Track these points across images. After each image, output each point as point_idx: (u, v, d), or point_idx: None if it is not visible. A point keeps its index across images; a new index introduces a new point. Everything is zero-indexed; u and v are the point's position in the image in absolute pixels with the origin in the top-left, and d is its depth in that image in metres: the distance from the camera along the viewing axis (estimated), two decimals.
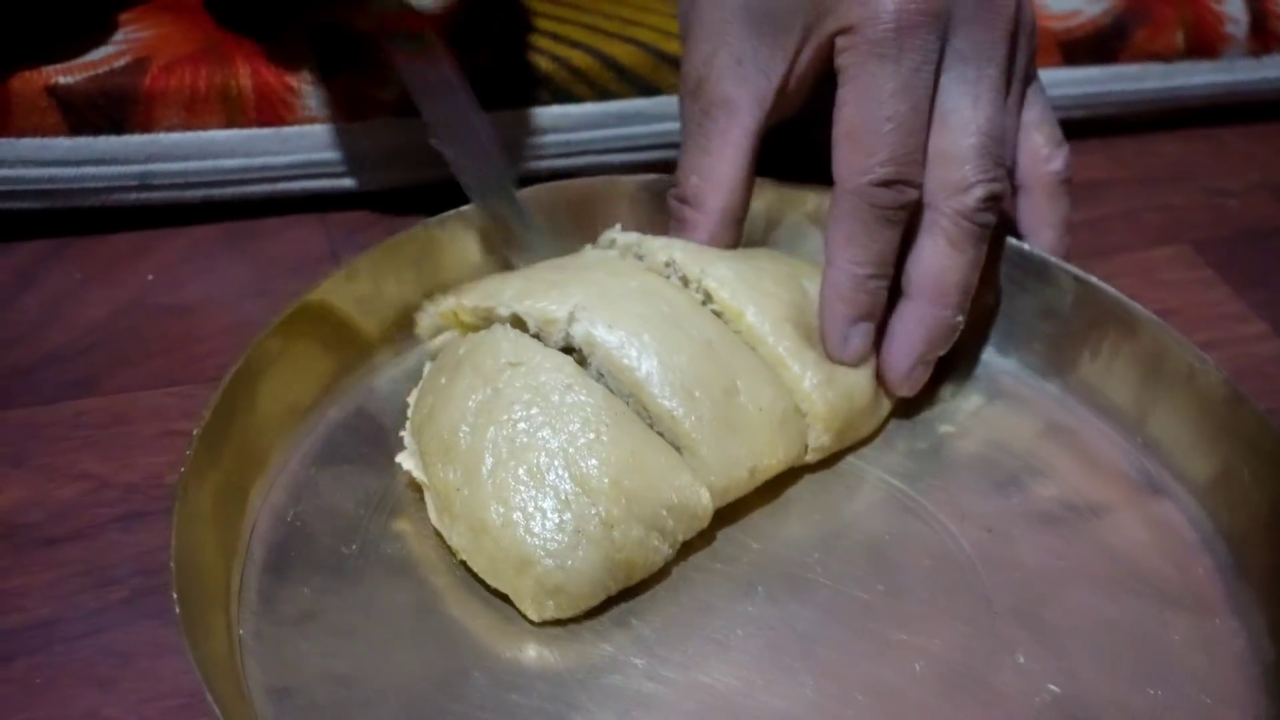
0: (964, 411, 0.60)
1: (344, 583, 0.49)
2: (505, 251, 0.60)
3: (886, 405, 0.58)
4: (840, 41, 0.55)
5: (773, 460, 0.53)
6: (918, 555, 0.53)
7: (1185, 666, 0.50)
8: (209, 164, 0.65)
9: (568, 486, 0.48)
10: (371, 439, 0.55)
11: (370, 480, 0.53)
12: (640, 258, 0.57)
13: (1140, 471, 0.57)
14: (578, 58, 0.69)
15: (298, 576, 0.49)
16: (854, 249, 0.55)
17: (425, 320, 0.58)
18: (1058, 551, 0.53)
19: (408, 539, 0.51)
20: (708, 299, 0.55)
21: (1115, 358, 0.59)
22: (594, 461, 0.48)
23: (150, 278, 0.64)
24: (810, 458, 0.55)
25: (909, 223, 0.55)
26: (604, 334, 0.52)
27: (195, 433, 0.48)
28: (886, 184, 0.54)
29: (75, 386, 0.58)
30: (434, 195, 0.62)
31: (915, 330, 0.56)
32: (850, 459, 0.57)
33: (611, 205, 0.63)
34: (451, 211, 0.60)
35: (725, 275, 0.55)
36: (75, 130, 0.63)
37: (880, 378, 0.57)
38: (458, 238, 0.60)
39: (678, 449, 0.51)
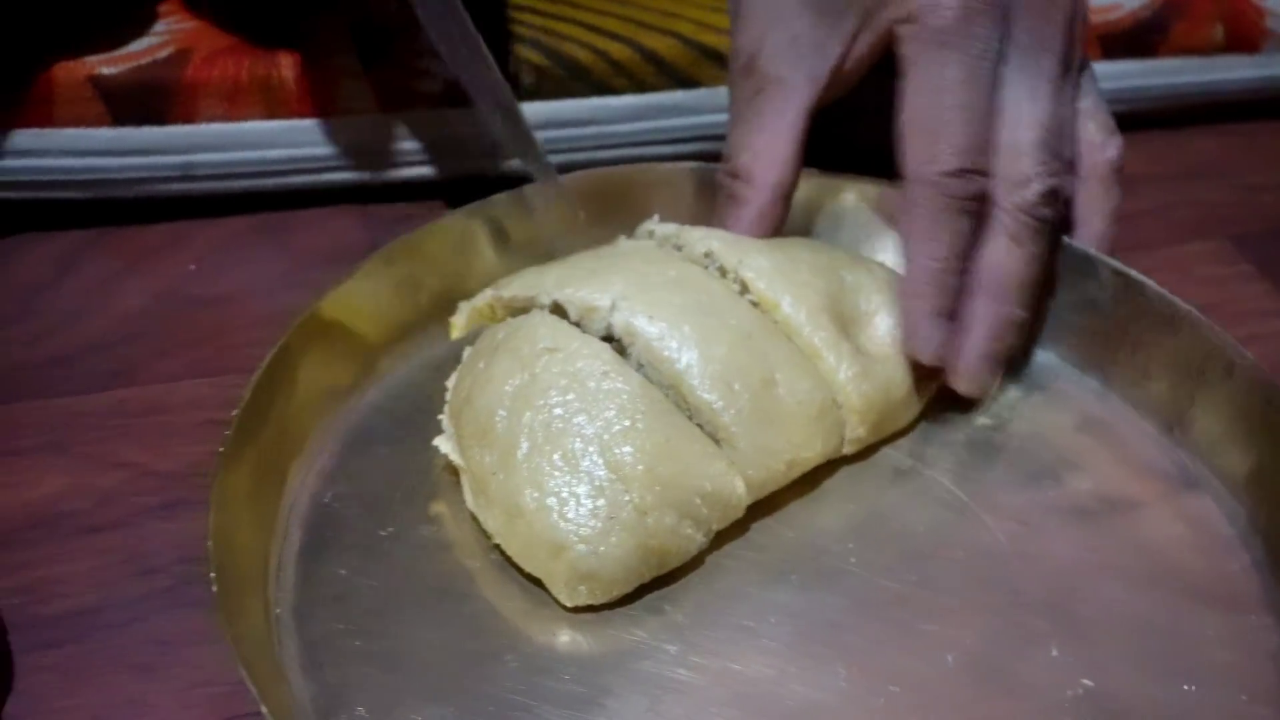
0: (1001, 404, 0.59)
1: (379, 564, 0.50)
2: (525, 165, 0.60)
3: (922, 398, 0.57)
4: (902, 30, 0.55)
5: (810, 453, 0.53)
6: (951, 547, 0.52)
7: (1219, 662, 0.49)
8: (250, 155, 0.66)
9: (602, 472, 0.48)
10: (407, 422, 0.55)
11: (406, 462, 0.54)
12: (679, 248, 0.57)
13: (1176, 466, 0.57)
14: (617, 50, 0.69)
15: (334, 557, 0.50)
16: (930, 242, 0.54)
17: (460, 318, 0.58)
18: (1091, 545, 0.53)
19: (443, 521, 0.52)
20: (744, 289, 0.55)
21: (1154, 352, 0.59)
22: (628, 448, 0.48)
23: (190, 268, 0.65)
24: (846, 450, 0.55)
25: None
26: (644, 324, 0.52)
27: (234, 414, 0.48)
28: (958, 174, 0.54)
29: (114, 376, 0.59)
30: (474, 186, 0.62)
31: (978, 328, 0.55)
32: (885, 450, 0.57)
33: (650, 192, 0.63)
34: (486, 199, 0.60)
35: (762, 266, 0.55)
36: (118, 121, 0.63)
37: (949, 378, 0.57)
38: (494, 225, 0.60)
39: (716, 441, 0.51)
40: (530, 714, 0.45)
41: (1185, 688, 0.48)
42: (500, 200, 0.60)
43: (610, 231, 0.61)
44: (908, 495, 0.55)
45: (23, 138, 0.62)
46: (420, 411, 0.56)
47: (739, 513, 0.51)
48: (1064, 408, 0.59)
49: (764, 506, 0.53)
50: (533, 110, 0.67)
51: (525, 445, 0.49)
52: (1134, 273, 0.59)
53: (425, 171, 0.69)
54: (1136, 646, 0.49)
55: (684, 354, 0.51)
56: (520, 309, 0.55)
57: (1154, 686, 0.48)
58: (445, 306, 0.59)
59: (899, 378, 0.56)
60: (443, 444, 0.52)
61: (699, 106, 0.70)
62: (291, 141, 0.66)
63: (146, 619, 0.49)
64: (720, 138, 0.61)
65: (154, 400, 0.57)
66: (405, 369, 0.58)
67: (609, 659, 0.48)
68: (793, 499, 0.54)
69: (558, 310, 0.54)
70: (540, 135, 0.64)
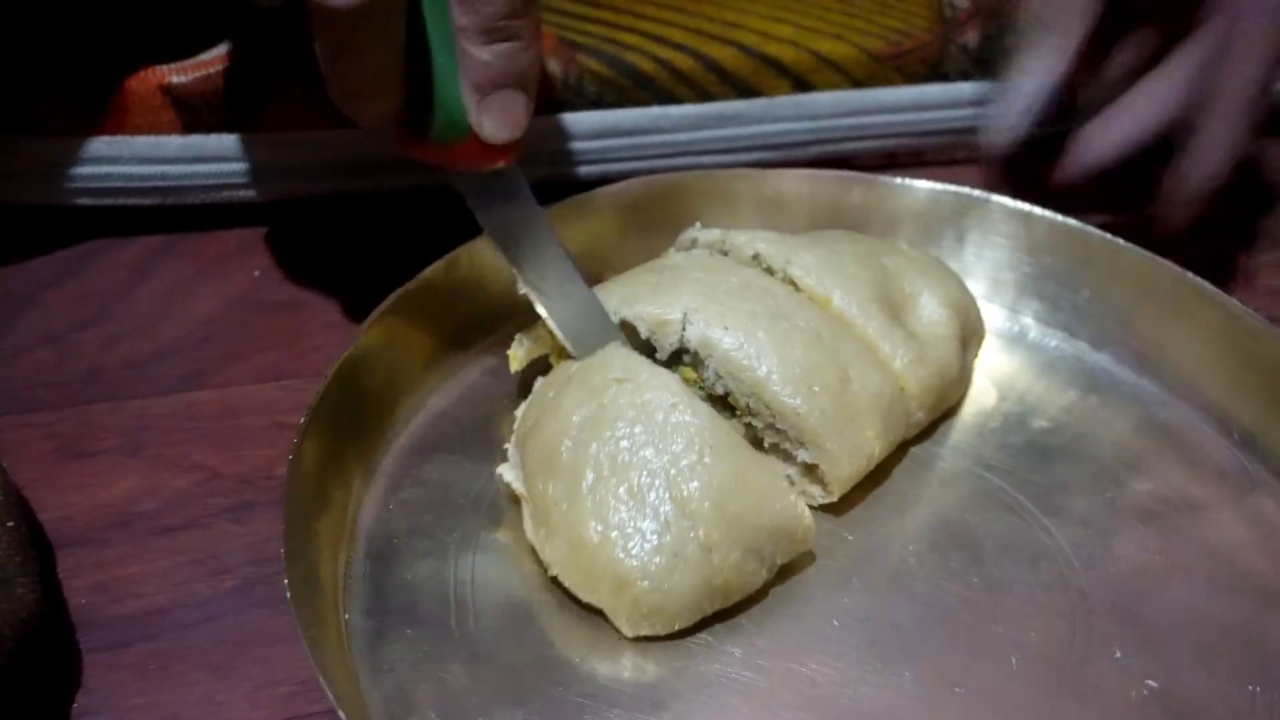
0: (1058, 406, 0.60)
1: (445, 574, 0.50)
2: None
3: (968, 376, 0.59)
4: None
5: (886, 444, 0.54)
6: (1014, 550, 0.52)
7: None
8: (318, 158, 0.66)
9: (668, 508, 0.48)
10: (473, 429, 0.56)
11: (472, 472, 0.54)
12: (724, 253, 0.58)
13: (1238, 468, 0.57)
14: (680, 59, 0.69)
15: (402, 565, 0.50)
16: None
17: (520, 350, 0.57)
18: (1155, 548, 0.53)
19: (502, 541, 0.52)
20: (794, 288, 0.56)
21: (1211, 354, 0.59)
22: (695, 484, 0.48)
23: (257, 273, 0.66)
24: (908, 435, 0.56)
25: None
26: (720, 335, 0.52)
27: (302, 420, 0.49)
28: None
29: (186, 379, 0.59)
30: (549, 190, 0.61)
31: None
32: (946, 453, 0.57)
33: (697, 201, 0.64)
34: (549, 205, 0.60)
35: (809, 262, 0.56)
36: (188, 129, 0.64)
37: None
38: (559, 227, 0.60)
39: (801, 444, 0.51)
40: (597, 716, 0.46)
41: (1251, 688, 0.48)
42: (559, 208, 0.60)
43: (663, 239, 0.61)
44: (968, 499, 0.55)
45: (98, 145, 0.63)
46: (486, 419, 0.56)
47: (805, 546, 0.51)
48: (1122, 409, 0.60)
49: (827, 510, 0.53)
50: (594, 119, 0.68)
51: (591, 476, 0.49)
52: (1190, 274, 0.59)
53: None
54: (1202, 648, 0.49)
55: (763, 361, 0.51)
56: None
57: (1220, 688, 0.48)
58: (507, 310, 0.59)
59: (950, 358, 0.56)
60: (506, 472, 0.52)
61: (761, 116, 0.71)
62: (359, 147, 0.66)
63: (217, 619, 0.49)
64: (780, 146, 0.62)
65: (225, 403, 0.58)
66: (466, 374, 0.59)
67: (674, 662, 0.48)
68: (856, 503, 0.54)
69: (626, 329, 0.54)
70: (601, 144, 0.65)
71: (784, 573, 0.51)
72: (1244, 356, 0.58)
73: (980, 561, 0.52)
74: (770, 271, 0.56)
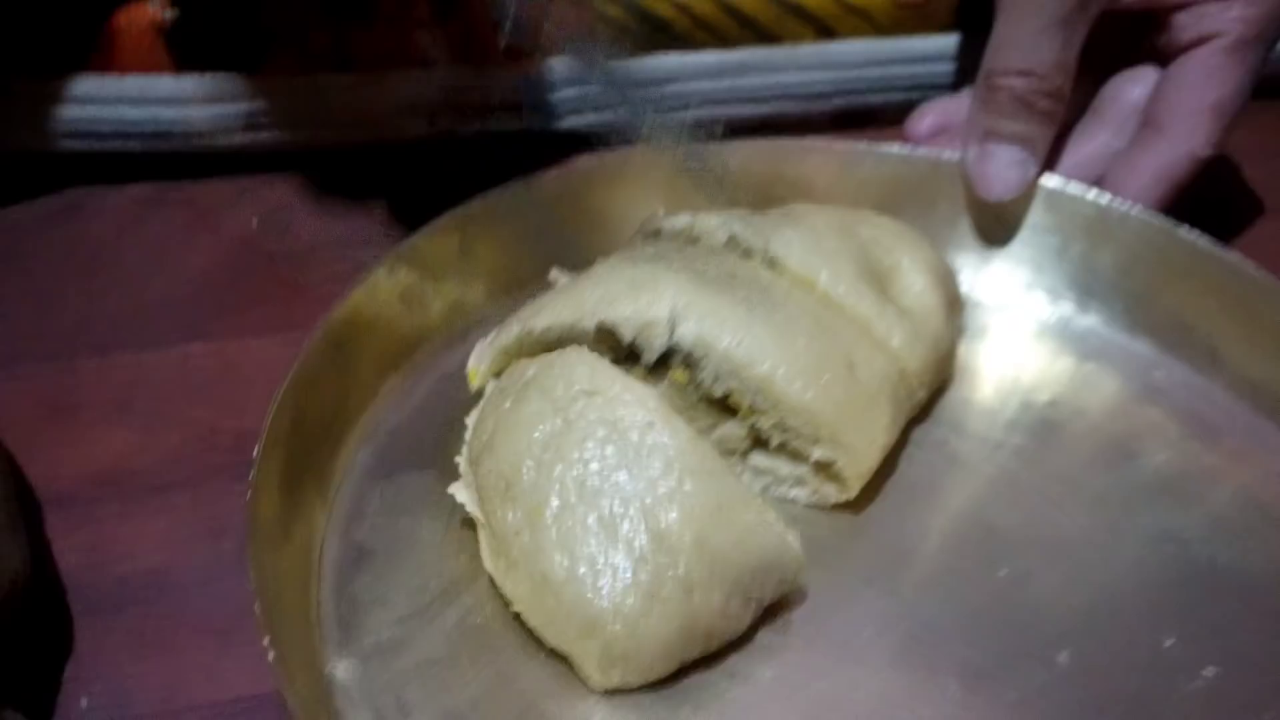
0: (1054, 377, 0.57)
1: (405, 613, 0.46)
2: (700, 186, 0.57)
3: (957, 338, 0.56)
4: None
5: (896, 430, 0.50)
6: (1038, 537, 0.49)
7: None
8: (320, 105, 0.64)
9: (643, 540, 0.43)
10: (432, 441, 0.51)
11: (433, 490, 0.49)
12: (693, 241, 0.54)
13: (1248, 426, 0.54)
14: (699, 4, 0.66)
15: (368, 599, 0.46)
16: None
17: (482, 364, 0.51)
18: (1183, 522, 0.50)
19: (459, 580, 0.47)
20: (773, 269, 0.52)
21: (1206, 308, 0.57)
22: (675, 514, 0.43)
23: (256, 222, 0.63)
24: (910, 416, 0.53)
25: None
26: (716, 331, 0.47)
27: (255, 460, 0.44)
28: None
29: (182, 332, 0.57)
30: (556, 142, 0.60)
31: None
32: (949, 434, 0.54)
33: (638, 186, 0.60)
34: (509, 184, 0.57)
35: (790, 240, 0.52)
36: (181, 69, 0.62)
37: None
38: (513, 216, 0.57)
39: (815, 441, 0.48)
40: None
41: None
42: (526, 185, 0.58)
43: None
44: (984, 484, 0.52)
45: (85, 85, 0.61)
46: (446, 430, 0.51)
47: (794, 585, 0.46)
48: (1121, 375, 0.57)
49: (842, 510, 0.50)
50: (609, 67, 0.64)
51: (555, 503, 0.44)
52: (1184, 229, 0.57)
53: (505, 122, 0.67)
54: (1258, 626, 0.47)
55: (766, 355, 0.47)
56: (557, 342, 0.49)
57: None
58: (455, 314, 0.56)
59: (942, 330, 0.53)
60: (459, 493, 0.47)
61: (782, 64, 0.68)
62: (359, 94, 0.64)
63: (218, 582, 0.47)
64: (801, 97, 0.60)
65: (223, 357, 0.56)
66: (427, 382, 0.55)
67: (696, 684, 0.44)
68: (869, 498, 0.51)
69: (604, 334, 0.49)
70: (614, 94, 0.62)
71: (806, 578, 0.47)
72: (1244, 310, 0.55)
73: (1004, 551, 0.49)
74: (748, 255, 0.52)
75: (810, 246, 0.52)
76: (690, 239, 0.53)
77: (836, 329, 0.49)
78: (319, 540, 0.47)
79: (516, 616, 0.44)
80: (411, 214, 0.55)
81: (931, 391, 0.53)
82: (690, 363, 0.48)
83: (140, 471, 0.51)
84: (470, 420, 0.49)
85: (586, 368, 0.46)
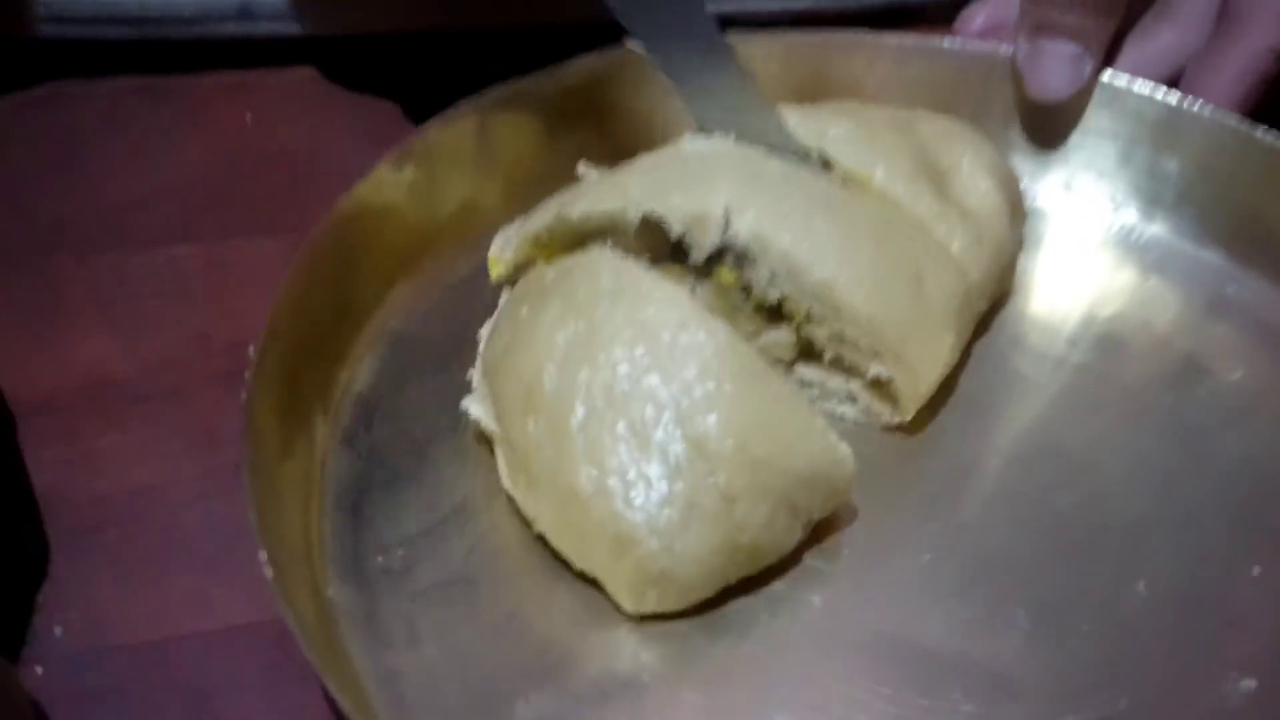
0: (1120, 291, 0.53)
1: (417, 534, 0.43)
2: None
3: (1019, 245, 0.52)
4: None
5: (960, 349, 0.47)
6: (1113, 457, 0.46)
7: None
8: None
9: (679, 448, 0.40)
10: (447, 347, 0.48)
11: (446, 399, 0.46)
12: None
13: None
14: None
15: (374, 520, 0.43)
16: None
17: (506, 251, 0.48)
18: (1264, 442, 0.47)
19: (473, 503, 0.44)
20: (827, 166, 0.48)
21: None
22: (713, 419, 0.40)
23: (249, 118, 0.61)
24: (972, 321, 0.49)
25: None
26: (775, 230, 0.44)
27: (251, 363, 0.41)
28: None
29: (168, 232, 0.55)
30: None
31: None
32: (1009, 349, 0.51)
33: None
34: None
35: (844, 133, 0.49)
36: None
37: None
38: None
39: (875, 355, 0.44)
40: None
41: None
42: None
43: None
44: (1045, 404, 0.49)
45: None
46: (461, 335, 0.48)
47: (845, 496, 0.43)
48: (1189, 288, 0.54)
49: (898, 430, 0.47)
50: None
51: (581, 411, 0.40)
52: (1263, 129, 0.54)
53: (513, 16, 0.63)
54: None
55: (828, 259, 0.44)
56: (595, 232, 0.46)
57: None
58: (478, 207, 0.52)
59: (1004, 235, 0.50)
60: (473, 406, 0.44)
61: None
62: None
63: (208, 501, 0.45)
64: None
65: (214, 258, 0.53)
66: (441, 284, 0.51)
67: (730, 614, 0.41)
68: (927, 417, 0.47)
69: (649, 227, 0.46)
70: None
71: (860, 503, 0.44)
72: None
73: (1076, 473, 0.46)
74: (800, 151, 0.49)
75: (865, 141, 0.49)
76: None
77: (905, 238, 0.46)
78: (321, 454, 0.45)
79: (539, 538, 0.42)
80: (421, 112, 0.52)
81: (991, 303, 0.50)
82: (743, 263, 0.45)
83: (123, 380, 0.48)
84: (484, 332, 0.46)
85: (610, 268, 0.43)
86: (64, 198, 0.56)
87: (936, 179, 0.49)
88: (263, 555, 0.36)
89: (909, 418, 0.45)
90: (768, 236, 0.44)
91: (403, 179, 0.50)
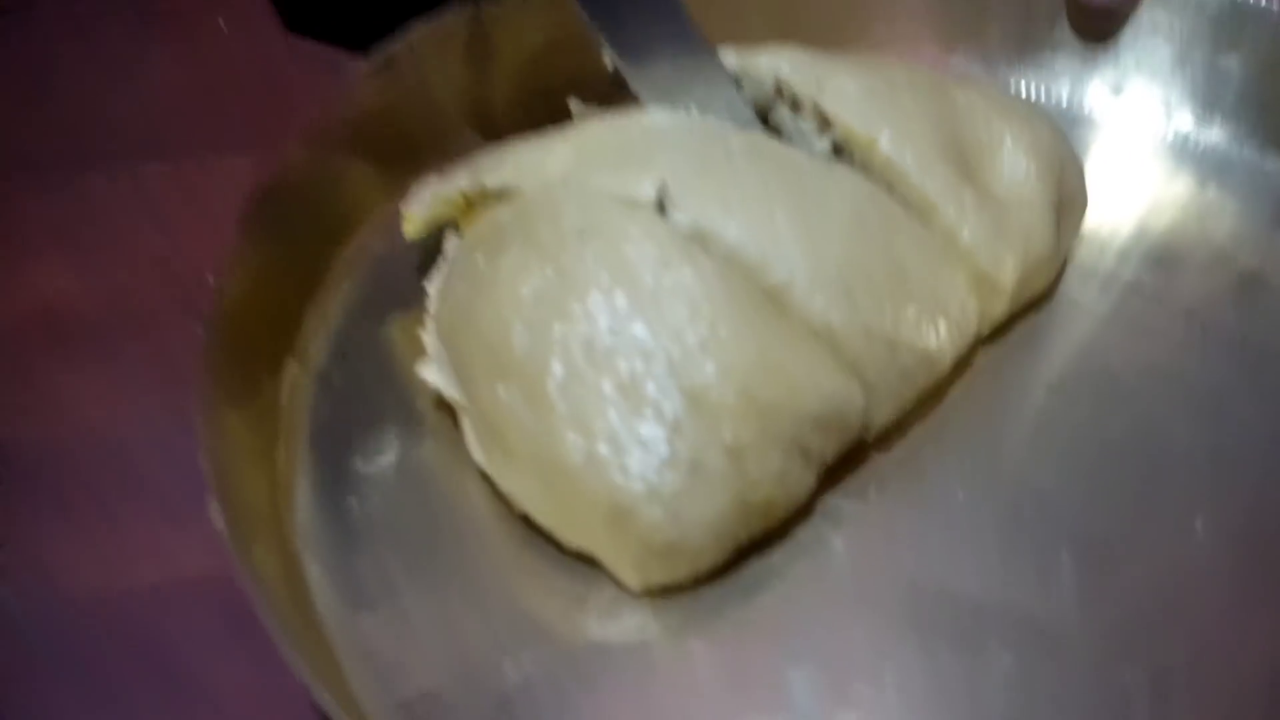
0: (1174, 202, 0.50)
1: (395, 489, 0.40)
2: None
3: (1066, 245, 0.47)
4: None
5: (943, 365, 0.42)
6: (1167, 383, 0.44)
7: None
8: None
9: (676, 403, 0.36)
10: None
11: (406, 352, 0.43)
12: (739, 82, 0.45)
13: None
14: None
15: (348, 472, 0.40)
16: None
17: (419, 208, 0.44)
18: None
19: (434, 476, 0.41)
20: (824, 126, 0.43)
21: None
22: (711, 367, 0.36)
23: (222, 26, 0.58)
24: (974, 336, 0.44)
25: None
26: (719, 220, 0.39)
27: (213, 294, 0.39)
28: None
29: (136, 151, 0.53)
30: None
31: None
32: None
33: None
34: None
35: (849, 90, 0.43)
36: None
37: None
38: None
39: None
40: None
41: None
42: None
43: None
44: (1094, 325, 0.46)
45: None
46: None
47: (857, 433, 0.40)
48: (1250, 197, 0.51)
49: None
50: None
51: (559, 371, 0.37)
52: None
53: None
54: None
55: (784, 258, 0.39)
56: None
57: None
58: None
59: (1040, 228, 0.44)
60: (429, 373, 0.41)
61: None
62: None
63: (171, 444, 0.42)
64: None
65: (184, 180, 0.51)
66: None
67: (755, 558, 0.38)
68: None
69: None
70: None
71: (882, 438, 0.41)
72: None
73: (1126, 402, 0.43)
74: (796, 104, 0.44)
75: (873, 99, 0.43)
76: (736, 80, 0.45)
77: (888, 229, 0.41)
78: (291, 393, 0.42)
79: (523, 517, 0.38)
80: (399, 10, 0.49)
81: (1015, 306, 0.45)
82: None
83: (82, 312, 0.46)
84: (432, 287, 0.42)
85: (576, 203, 0.39)
86: (22, 114, 0.54)
87: (962, 154, 0.44)
88: (215, 505, 0.33)
89: (864, 416, 0.40)
90: (710, 230, 0.39)
91: (386, 87, 0.47)
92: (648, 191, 0.39)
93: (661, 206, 0.40)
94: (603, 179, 0.40)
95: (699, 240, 0.39)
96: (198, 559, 0.39)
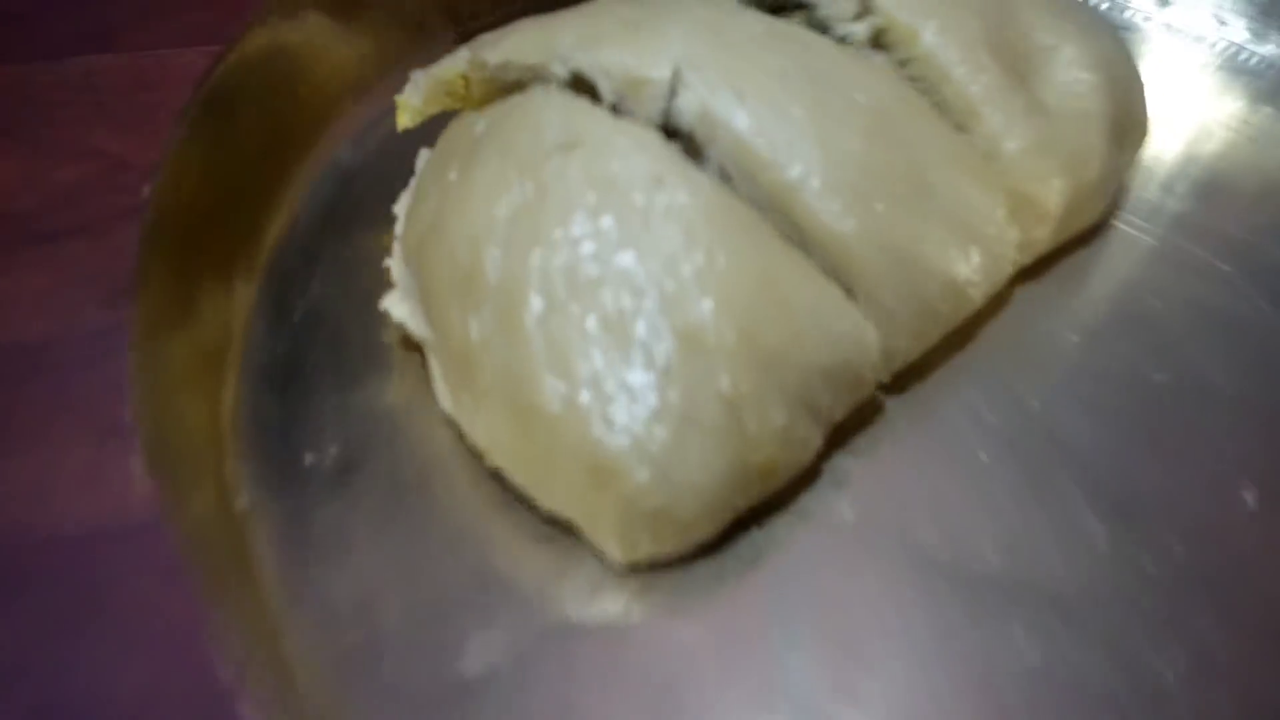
0: (1225, 123, 0.48)
1: (357, 432, 0.36)
2: None
3: (1118, 182, 0.43)
4: None
5: (972, 299, 0.38)
6: (1211, 327, 0.41)
7: None
8: None
9: (668, 345, 0.32)
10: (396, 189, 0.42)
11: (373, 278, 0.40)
12: None
13: None
14: None
15: (307, 408, 0.37)
16: None
17: (414, 97, 0.40)
18: None
19: (405, 424, 0.37)
20: (864, 10, 0.39)
21: None
22: (708, 304, 0.32)
23: None
24: (1020, 261, 0.40)
25: None
26: (731, 106, 0.35)
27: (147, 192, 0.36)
28: None
29: (85, 40, 0.48)
30: None
31: None
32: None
33: None
34: None
35: None
36: None
37: None
38: None
39: (846, 293, 0.35)
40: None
41: None
42: None
43: None
44: (1135, 261, 0.43)
45: None
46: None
47: (870, 387, 0.36)
48: None
49: None
50: None
51: (538, 303, 0.33)
52: None
53: None
54: None
55: (797, 154, 0.34)
56: (514, 85, 0.38)
57: None
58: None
59: (1093, 146, 0.40)
60: (394, 306, 0.37)
61: None
62: None
63: (111, 358, 0.38)
64: None
65: (137, 71, 0.47)
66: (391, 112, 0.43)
67: (752, 522, 0.34)
68: None
69: (579, 86, 0.37)
70: None
71: (899, 383, 0.37)
72: None
73: (1165, 347, 0.40)
74: None
75: None
76: None
77: (915, 131, 0.37)
78: (241, 320, 0.38)
79: (495, 475, 0.34)
80: None
81: (1061, 237, 0.41)
82: (688, 149, 0.36)
83: (20, 214, 0.43)
84: (400, 207, 0.38)
85: (558, 112, 0.35)
86: None
87: (1015, 58, 0.40)
88: (136, 446, 0.31)
89: (879, 368, 0.36)
90: (720, 114, 0.35)
91: None
92: (663, 71, 0.35)
93: (678, 81, 0.35)
94: (614, 55, 0.36)
95: (705, 124, 0.35)
96: (126, 481, 0.35)
